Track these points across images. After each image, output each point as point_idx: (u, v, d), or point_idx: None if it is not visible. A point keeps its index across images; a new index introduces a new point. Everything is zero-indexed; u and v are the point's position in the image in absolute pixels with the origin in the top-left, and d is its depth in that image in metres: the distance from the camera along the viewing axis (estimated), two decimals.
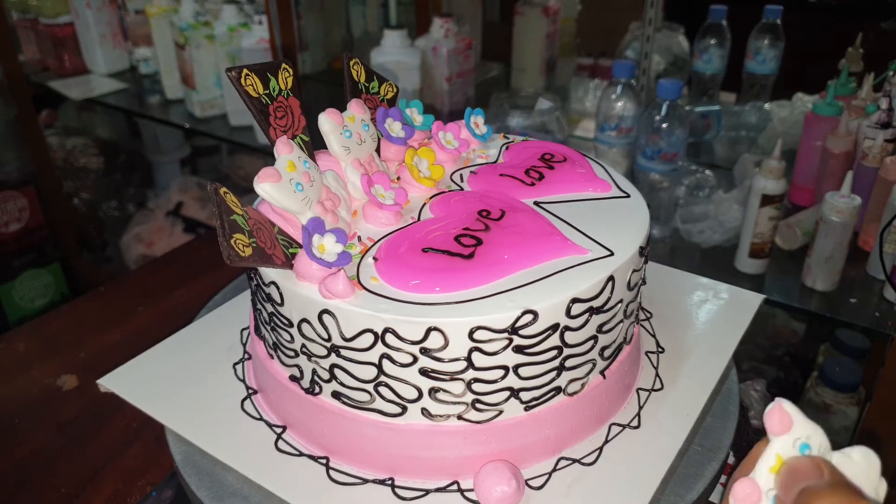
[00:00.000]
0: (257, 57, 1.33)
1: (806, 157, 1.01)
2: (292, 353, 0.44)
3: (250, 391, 0.51)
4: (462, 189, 0.51)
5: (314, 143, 0.49)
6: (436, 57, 1.27)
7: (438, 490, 0.43)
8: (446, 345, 0.39)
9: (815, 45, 1.27)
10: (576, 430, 0.45)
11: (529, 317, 0.39)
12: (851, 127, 0.95)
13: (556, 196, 0.50)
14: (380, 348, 0.39)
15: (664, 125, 0.99)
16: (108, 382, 0.52)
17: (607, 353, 0.45)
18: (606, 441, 0.46)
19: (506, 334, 0.39)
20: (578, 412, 0.45)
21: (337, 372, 0.42)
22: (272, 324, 0.45)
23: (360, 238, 0.45)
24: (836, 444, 0.29)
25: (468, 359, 0.39)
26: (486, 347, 0.39)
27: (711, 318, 0.57)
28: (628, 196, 0.50)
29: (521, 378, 0.41)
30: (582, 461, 0.44)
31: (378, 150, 0.53)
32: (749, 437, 0.61)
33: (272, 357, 0.47)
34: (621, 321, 0.45)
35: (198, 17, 1.42)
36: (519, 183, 0.51)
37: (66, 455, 0.64)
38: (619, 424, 0.47)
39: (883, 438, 0.83)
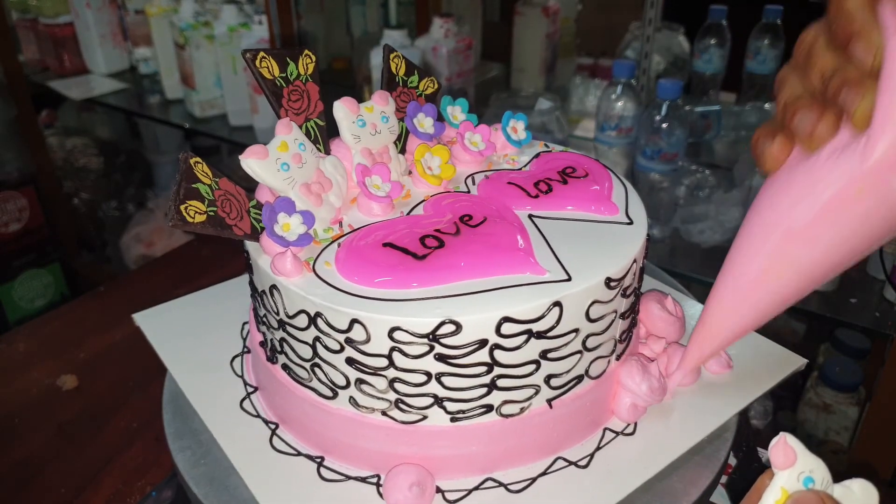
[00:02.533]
0: None
1: None
2: (259, 321, 0.48)
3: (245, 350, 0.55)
4: (469, 192, 0.51)
5: (332, 131, 0.50)
6: (436, 57, 1.27)
7: (359, 479, 0.44)
8: (368, 339, 0.39)
9: None
10: (510, 453, 0.44)
11: (451, 327, 0.38)
12: None
13: (554, 212, 0.48)
14: (313, 331, 0.41)
15: (664, 125, 0.99)
16: (140, 318, 0.59)
17: (556, 382, 0.43)
18: (544, 473, 0.44)
19: (426, 340, 0.39)
20: (514, 436, 0.43)
21: (284, 346, 0.44)
22: (251, 292, 0.49)
23: (341, 224, 0.46)
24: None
25: (389, 357, 0.40)
26: (407, 350, 0.39)
27: (733, 369, 0.51)
28: (630, 223, 0.47)
29: (445, 387, 0.40)
30: (509, 486, 0.43)
31: (406, 144, 0.54)
32: (749, 438, 0.61)
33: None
34: (579, 352, 0.43)
35: (198, 17, 1.42)
36: (523, 193, 0.49)
37: (66, 455, 0.64)
38: (565, 460, 0.45)
39: (883, 438, 0.83)
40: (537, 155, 0.56)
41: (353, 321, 0.39)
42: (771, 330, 0.55)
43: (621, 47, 1.45)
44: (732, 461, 0.60)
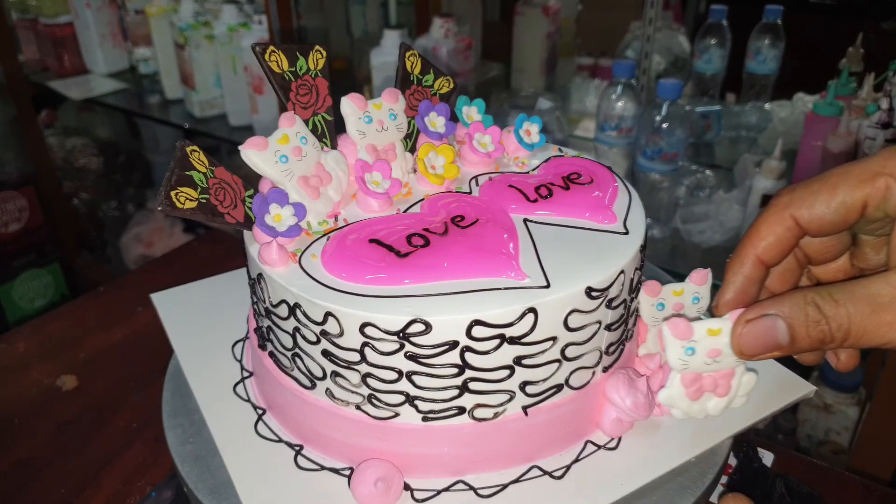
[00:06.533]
0: None
1: (806, 157, 1.01)
2: (254, 308, 0.49)
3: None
4: (471, 193, 0.51)
5: (340, 127, 0.50)
6: (436, 57, 1.27)
7: (333, 470, 0.44)
8: (342, 333, 0.39)
9: (815, 45, 1.27)
10: (483, 458, 0.43)
11: (421, 326, 0.38)
12: (852, 127, 0.95)
13: (550, 217, 0.47)
14: (293, 321, 0.41)
15: (664, 125, 0.99)
16: (157, 299, 0.60)
17: (532, 389, 0.42)
18: (517, 480, 0.43)
19: (396, 338, 0.38)
20: (487, 441, 0.43)
21: (271, 333, 0.45)
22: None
23: (337, 218, 0.47)
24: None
25: (361, 352, 0.40)
26: (378, 346, 0.39)
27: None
28: (626, 233, 0.46)
29: (416, 386, 0.40)
30: (479, 491, 0.43)
31: (416, 142, 0.54)
32: (749, 439, 0.61)
33: None
34: (557, 361, 0.41)
35: (198, 17, 1.42)
36: (522, 197, 0.48)
37: (66, 455, 0.64)
38: (540, 469, 0.44)
39: (883, 438, 0.83)
40: (548, 159, 0.55)
41: (328, 314, 0.39)
42: None
43: (621, 47, 1.45)
44: (733, 461, 0.60)
